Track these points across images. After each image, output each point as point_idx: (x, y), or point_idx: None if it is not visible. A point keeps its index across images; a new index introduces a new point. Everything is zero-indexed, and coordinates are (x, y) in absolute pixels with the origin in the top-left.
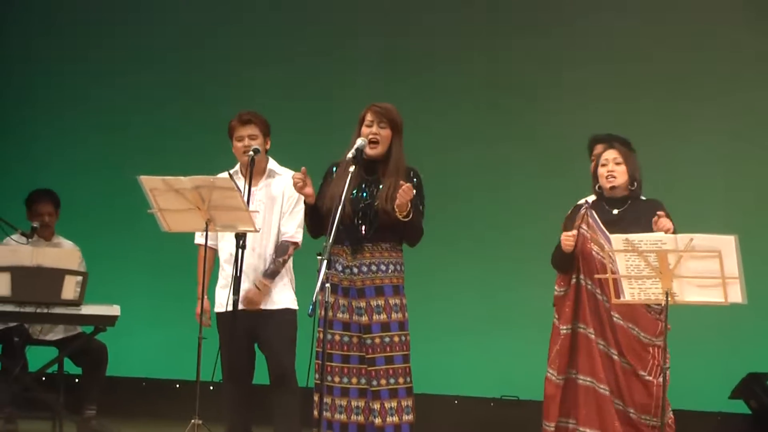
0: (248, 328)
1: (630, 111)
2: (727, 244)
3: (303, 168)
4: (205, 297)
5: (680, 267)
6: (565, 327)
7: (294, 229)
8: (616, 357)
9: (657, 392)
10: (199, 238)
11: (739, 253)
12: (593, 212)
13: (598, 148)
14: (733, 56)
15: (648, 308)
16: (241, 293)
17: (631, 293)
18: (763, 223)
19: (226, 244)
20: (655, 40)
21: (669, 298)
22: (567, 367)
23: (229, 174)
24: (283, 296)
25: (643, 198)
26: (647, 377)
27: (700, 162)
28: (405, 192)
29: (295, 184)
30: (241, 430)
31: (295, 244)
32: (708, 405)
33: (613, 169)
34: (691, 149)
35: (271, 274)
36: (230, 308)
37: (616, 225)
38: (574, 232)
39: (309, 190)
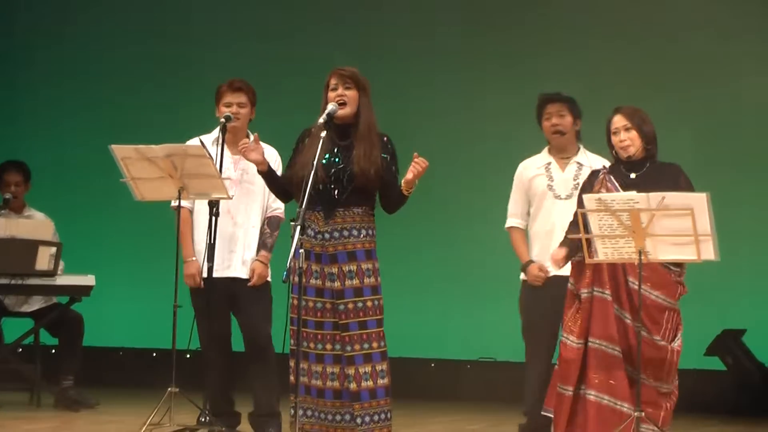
0: (226, 295)
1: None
2: (699, 201)
3: (256, 135)
4: (196, 258)
5: (653, 225)
6: (586, 291)
7: (282, 204)
8: (629, 321)
9: (670, 358)
10: (175, 202)
11: (711, 210)
12: (611, 177)
13: (550, 107)
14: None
15: (669, 271)
16: (234, 265)
17: (604, 253)
18: (734, 179)
19: (202, 210)
20: None
21: (642, 257)
22: (586, 333)
23: (201, 140)
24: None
25: (662, 161)
26: (661, 342)
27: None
28: (420, 165)
29: (241, 150)
30: (221, 397)
31: (282, 218)
32: (683, 362)
33: (624, 138)
34: (660, 104)
35: (271, 247)
36: (205, 275)
37: (634, 188)
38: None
39: (257, 156)
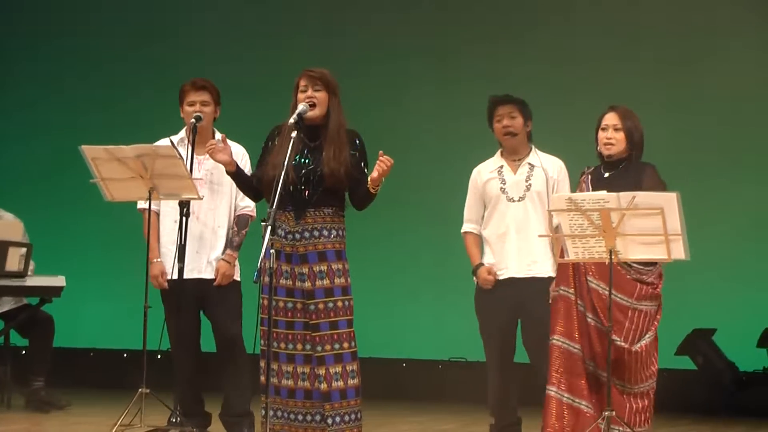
0: (194, 296)
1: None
2: (669, 201)
3: (222, 135)
4: (160, 259)
5: (623, 225)
6: (552, 292)
7: (252, 202)
8: (590, 320)
9: (629, 359)
10: (142, 204)
11: (681, 210)
12: (588, 177)
13: (501, 109)
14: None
15: (627, 270)
16: (202, 265)
17: (575, 252)
18: (707, 180)
19: (168, 212)
20: None
21: (613, 256)
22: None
23: (171, 141)
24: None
25: (643, 161)
26: (619, 342)
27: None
28: (385, 164)
29: (209, 151)
30: (191, 397)
31: (253, 216)
32: None
33: (611, 136)
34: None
35: (237, 246)
36: (175, 276)
37: (604, 187)
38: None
39: (224, 157)
